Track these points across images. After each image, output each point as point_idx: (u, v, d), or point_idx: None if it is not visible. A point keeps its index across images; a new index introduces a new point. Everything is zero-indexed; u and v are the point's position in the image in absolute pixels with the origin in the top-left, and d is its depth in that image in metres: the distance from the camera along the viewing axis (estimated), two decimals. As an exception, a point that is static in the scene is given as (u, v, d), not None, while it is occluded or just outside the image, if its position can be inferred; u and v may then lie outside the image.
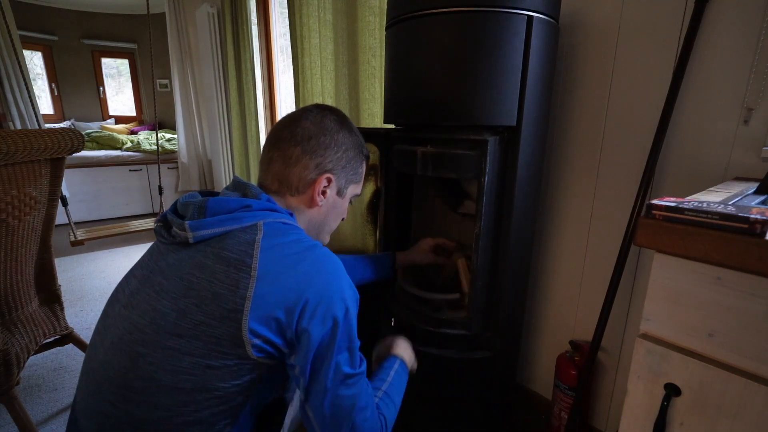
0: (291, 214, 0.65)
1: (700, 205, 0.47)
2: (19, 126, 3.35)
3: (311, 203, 0.70)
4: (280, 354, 0.55)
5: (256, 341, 0.51)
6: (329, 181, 0.69)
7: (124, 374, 0.53)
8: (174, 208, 0.62)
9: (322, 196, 0.70)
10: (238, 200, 0.59)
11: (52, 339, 1.33)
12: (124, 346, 0.54)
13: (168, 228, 0.60)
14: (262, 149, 0.72)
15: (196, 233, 0.55)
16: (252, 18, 2.73)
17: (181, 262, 0.56)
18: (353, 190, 0.77)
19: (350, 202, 0.79)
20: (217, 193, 0.70)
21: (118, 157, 3.95)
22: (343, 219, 0.79)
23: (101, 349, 0.57)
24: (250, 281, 0.51)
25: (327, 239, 0.79)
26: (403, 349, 0.83)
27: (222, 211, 0.57)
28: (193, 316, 0.51)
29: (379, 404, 0.66)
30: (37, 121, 2.75)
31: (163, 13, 3.77)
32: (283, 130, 0.68)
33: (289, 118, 0.70)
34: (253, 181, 2.91)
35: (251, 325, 0.51)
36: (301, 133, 0.67)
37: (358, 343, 0.59)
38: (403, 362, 0.79)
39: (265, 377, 0.58)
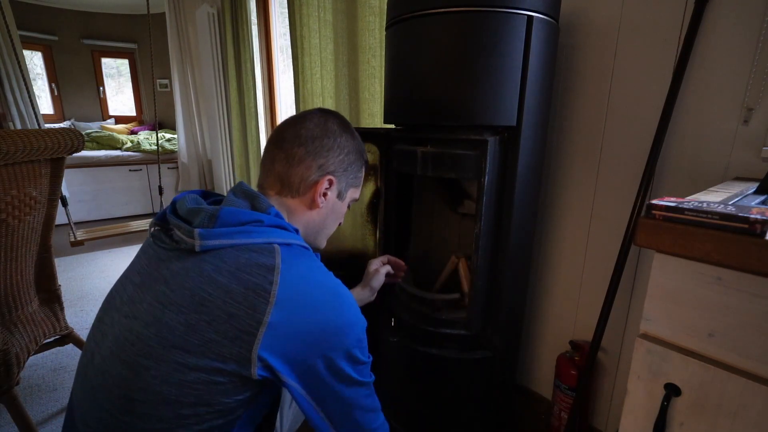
0: (297, 231, 0.63)
1: (700, 205, 0.47)
2: (19, 126, 3.35)
3: (312, 204, 0.69)
4: (281, 382, 0.54)
5: (262, 365, 0.51)
6: (330, 183, 0.69)
7: (126, 386, 0.52)
8: (173, 209, 0.60)
9: (323, 198, 0.69)
10: (250, 213, 0.58)
11: (52, 339, 1.33)
12: (125, 356, 0.52)
13: (167, 231, 0.58)
14: (263, 150, 0.72)
15: (204, 242, 0.54)
16: (252, 18, 2.73)
17: (188, 272, 0.53)
18: (352, 194, 0.77)
19: (348, 206, 0.79)
20: (220, 196, 0.68)
21: (118, 157, 3.94)
22: (340, 224, 0.79)
23: (98, 357, 0.55)
24: (267, 307, 0.51)
25: (324, 243, 0.78)
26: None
27: (233, 223, 0.56)
28: (204, 333, 0.50)
29: None
30: (37, 121, 2.75)
31: (163, 13, 3.77)
32: (287, 131, 0.68)
33: (293, 119, 0.70)
34: (253, 181, 2.91)
35: (261, 350, 0.50)
36: (305, 134, 0.67)
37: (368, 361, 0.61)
38: None
39: (266, 390, 0.58)
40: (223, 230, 0.54)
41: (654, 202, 0.50)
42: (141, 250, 0.64)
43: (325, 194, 0.70)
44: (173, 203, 0.61)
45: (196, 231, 0.54)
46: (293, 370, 0.53)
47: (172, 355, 0.50)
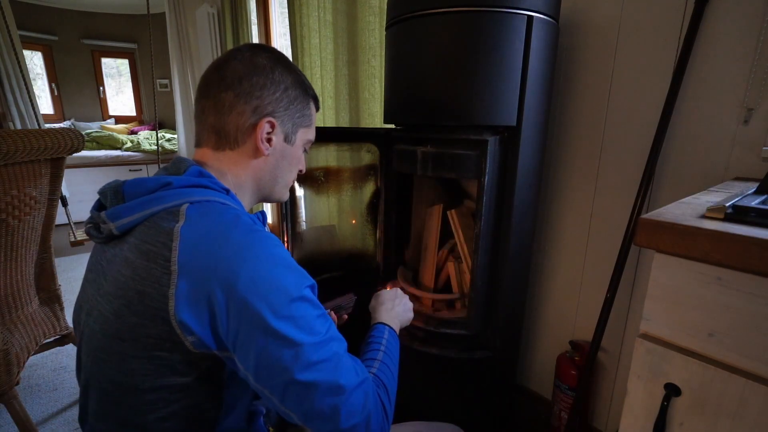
0: (227, 192, 0.57)
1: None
2: (19, 126, 3.35)
3: (256, 153, 0.61)
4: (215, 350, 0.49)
5: (193, 340, 0.47)
6: (272, 126, 0.61)
7: (96, 379, 0.53)
8: (98, 203, 0.56)
9: (267, 144, 0.61)
10: (157, 179, 0.52)
11: (52, 339, 1.33)
12: (90, 352, 0.53)
13: (98, 225, 0.54)
14: (194, 102, 0.63)
15: (117, 223, 0.50)
16: (252, 18, 2.73)
17: (115, 258, 0.51)
18: (304, 135, 0.67)
19: (305, 150, 0.70)
20: None
21: (118, 157, 3.95)
22: (301, 171, 0.71)
23: (82, 356, 0.57)
24: (170, 277, 0.46)
25: (285, 194, 0.70)
26: (387, 313, 0.75)
27: (140, 193, 0.51)
28: (127, 318, 0.48)
29: (377, 374, 0.59)
30: (37, 121, 2.75)
31: (163, 13, 3.77)
32: (211, 75, 0.60)
33: (216, 61, 0.61)
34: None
35: (181, 324, 0.46)
36: (230, 76, 0.58)
37: (314, 338, 0.49)
38: (391, 330, 0.71)
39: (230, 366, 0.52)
40: (129, 204, 0.50)
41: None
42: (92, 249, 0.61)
43: (269, 140, 0.61)
44: (98, 198, 0.58)
45: (102, 214, 0.51)
46: (216, 339, 0.48)
47: (113, 346, 0.49)
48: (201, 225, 0.49)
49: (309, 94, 0.67)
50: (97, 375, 0.53)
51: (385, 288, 0.86)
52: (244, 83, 0.59)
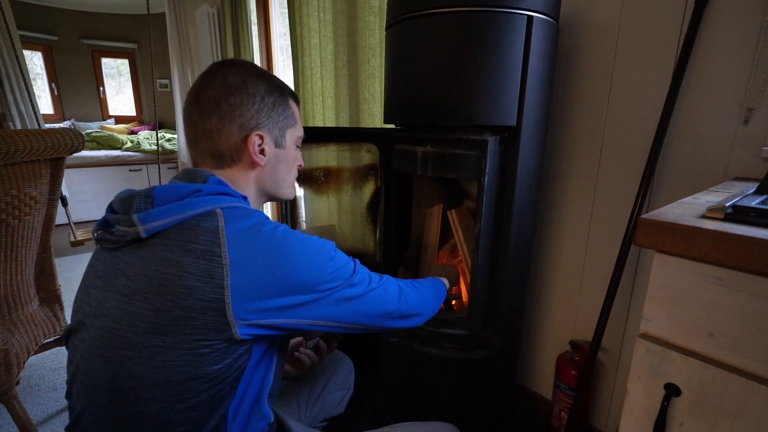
0: (245, 198, 0.63)
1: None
2: (19, 126, 3.35)
3: (253, 165, 0.66)
4: (273, 328, 0.56)
5: (244, 324, 0.52)
6: (261, 137, 0.64)
7: (113, 379, 0.53)
8: (111, 210, 0.59)
9: (261, 156, 0.65)
10: (187, 186, 0.57)
11: (52, 339, 1.32)
12: (106, 353, 0.53)
13: (111, 232, 0.56)
14: (183, 128, 0.68)
15: (147, 226, 0.52)
16: (252, 18, 2.73)
17: (143, 259, 0.53)
18: (292, 134, 0.71)
19: (298, 146, 0.74)
20: None
21: (118, 157, 3.95)
22: (300, 166, 0.75)
23: (83, 362, 0.56)
24: (223, 270, 0.51)
25: (291, 192, 0.75)
26: (439, 274, 0.96)
27: (171, 199, 0.54)
28: (171, 312, 0.50)
29: (419, 282, 0.79)
30: (37, 121, 2.75)
31: (163, 13, 3.77)
32: (191, 107, 0.64)
33: (192, 92, 0.65)
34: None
35: (236, 312, 0.51)
36: (208, 103, 0.62)
37: (348, 270, 0.62)
38: (438, 278, 0.90)
39: (256, 347, 0.58)
40: (162, 209, 0.53)
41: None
42: (93, 258, 0.61)
43: (262, 151, 0.65)
44: (109, 205, 0.59)
45: (134, 216, 0.52)
46: (276, 315, 0.54)
47: (148, 341, 0.51)
48: (240, 226, 0.54)
49: (286, 94, 0.69)
50: (112, 376, 0.53)
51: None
52: (222, 106, 0.62)
